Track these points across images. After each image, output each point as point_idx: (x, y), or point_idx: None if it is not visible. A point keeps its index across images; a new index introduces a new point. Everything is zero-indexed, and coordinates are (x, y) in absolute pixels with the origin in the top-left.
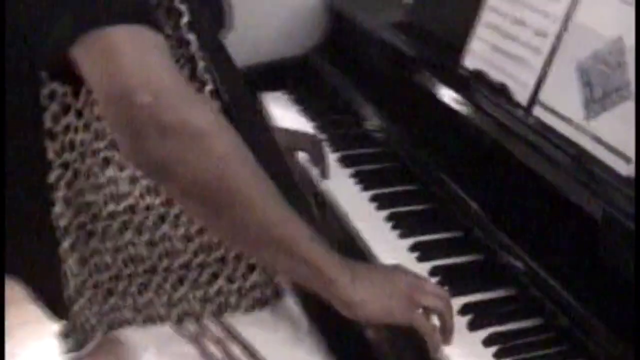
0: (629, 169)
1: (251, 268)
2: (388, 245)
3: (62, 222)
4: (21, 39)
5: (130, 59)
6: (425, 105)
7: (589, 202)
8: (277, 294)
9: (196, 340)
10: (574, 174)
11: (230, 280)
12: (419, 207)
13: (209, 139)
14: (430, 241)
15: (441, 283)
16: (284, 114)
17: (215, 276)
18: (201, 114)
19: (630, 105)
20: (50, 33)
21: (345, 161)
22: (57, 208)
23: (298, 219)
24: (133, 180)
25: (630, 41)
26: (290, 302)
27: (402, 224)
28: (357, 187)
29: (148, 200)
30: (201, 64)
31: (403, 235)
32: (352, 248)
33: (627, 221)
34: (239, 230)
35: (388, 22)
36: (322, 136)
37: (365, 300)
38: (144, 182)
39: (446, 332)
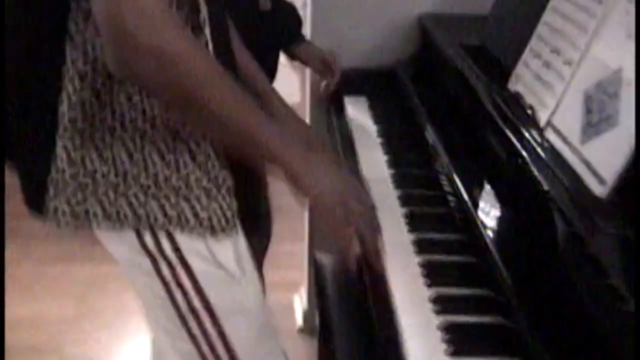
0: (602, 190)
1: (207, 194)
2: (410, 291)
3: (64, 120)
4: None
5: None
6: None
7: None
8: (232, 227)
9: (153, 258)
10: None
11: (186, 199)
12: (454, 259)
13: (181, 62)
14: (452, 296)
15: (450, 340)
16: (356, 114)
17: (175, 193)
18: (177, 40)
19: (616, 132)
20: None
21: (402, 199)
22: (63, 107)
23: (269, 121)
24: (129, 99)
25: (628, 73)
26: (241, 241)
27: (432, 274)
28: (405, 228)
29: (138, 123)
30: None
31: (429, 285)
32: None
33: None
34: (215, 128)
35: (459, 43)
36: (390, 171)
37: (316, 186)
38: (140, 106)
39: (368, 253)
